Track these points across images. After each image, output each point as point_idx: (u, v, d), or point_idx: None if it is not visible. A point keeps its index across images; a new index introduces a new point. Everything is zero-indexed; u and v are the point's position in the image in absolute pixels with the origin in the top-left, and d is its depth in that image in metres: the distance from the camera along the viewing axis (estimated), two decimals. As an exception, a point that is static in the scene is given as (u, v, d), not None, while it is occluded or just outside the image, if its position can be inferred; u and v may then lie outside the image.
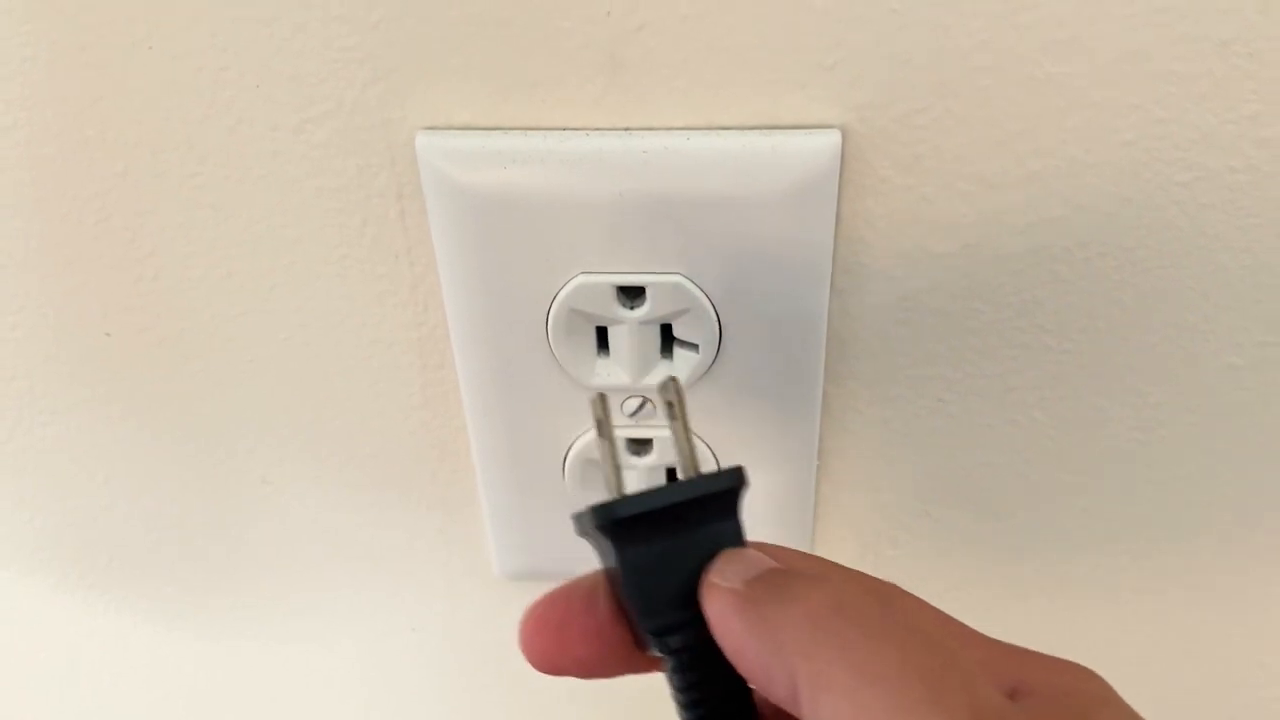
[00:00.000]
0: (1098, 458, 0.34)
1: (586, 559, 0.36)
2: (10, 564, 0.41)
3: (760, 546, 0.22)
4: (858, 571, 0.21)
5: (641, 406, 0.33)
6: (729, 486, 0.22)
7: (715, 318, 0.30)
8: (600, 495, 0.34)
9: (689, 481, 0.22)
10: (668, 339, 0.32)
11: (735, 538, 0.22)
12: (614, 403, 0.32)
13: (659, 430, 0.33)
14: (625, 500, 0.22)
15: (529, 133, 0.28)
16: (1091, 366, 0.32)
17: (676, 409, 0.24)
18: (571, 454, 0.34)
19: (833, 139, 0.28)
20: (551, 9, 0.27)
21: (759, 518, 0.35)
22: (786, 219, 0.29)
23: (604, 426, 0.23)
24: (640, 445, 0.34)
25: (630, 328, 0.31)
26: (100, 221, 0.32)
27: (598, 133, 0.28)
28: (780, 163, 0.28)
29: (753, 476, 0.34)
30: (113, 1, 0.28)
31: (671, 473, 0.34)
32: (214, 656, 0.43)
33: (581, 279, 0.30)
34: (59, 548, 0.40)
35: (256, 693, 0.44)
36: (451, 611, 0.40)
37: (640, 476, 0.34)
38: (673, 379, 0.24)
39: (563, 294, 0.30)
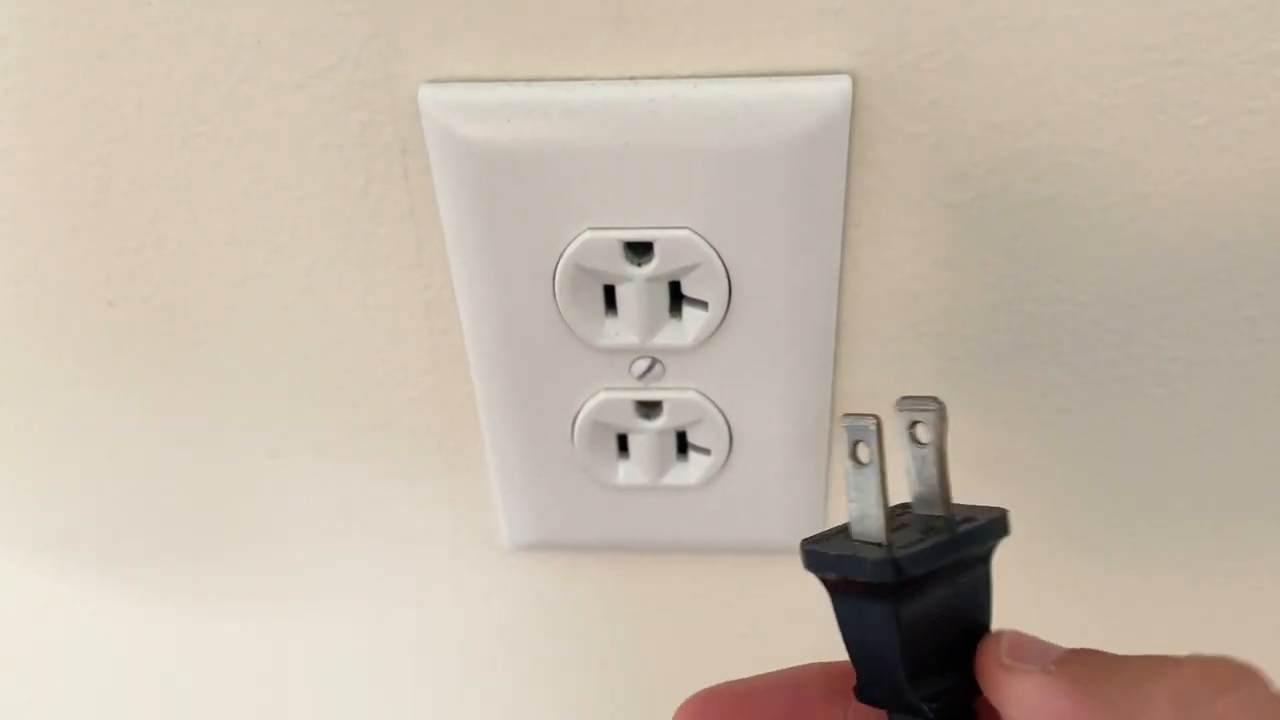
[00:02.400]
0: (1116, 414, 0.33)
1: (598, 528, 0.36)
2: (12, 541, 0.40)
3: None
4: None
5: (651, 368, 0.32)
6: (998, 537, 0.21)
7: (725, 274, 0.30)
8: (609, 464, 0.34)
9: (965, 535, 0.21)
10: (677, 299, 0.31)
11: (985, 585, 0.21)
12: (622, 364, 0.32)
13: (669, 392, 0.33)
14: (910, 555, 0.20)
15: (533, 84, 0.28)
16: (1107, 320, 0.31)
17: (934, 432, 0.21)
18: (580, 417, 0.33)
19: (843, 85, 0.27)
20: (555, -44, 0.26)
21: (771, 480, 0.34)
22: (796, 169, 0.28)
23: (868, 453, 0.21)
24: (649, 408, 0.33)
25: (638, 285, 0.30)
26: (101, 187, 0.31)
27: (603, 82, 0.28)
28: (790, 110, 0.27)
29: (765, 439, 0.34)
30: (111, -44, 0.27)
31: (682, 437, 0.34)
32: (219, 631, 0.43)
33: (588, 235, 0.29)
34: (64, 522, 0.40)
35: (262, 668, 0.44)
36: (460, 582, 0.40)
37: (650, 440, 0.34)
38: (935, 399, 0.21)
39: (569, 250, 0.30)
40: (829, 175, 0.28)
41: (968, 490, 0.35)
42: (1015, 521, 0.36)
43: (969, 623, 0.22)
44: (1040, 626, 0.39)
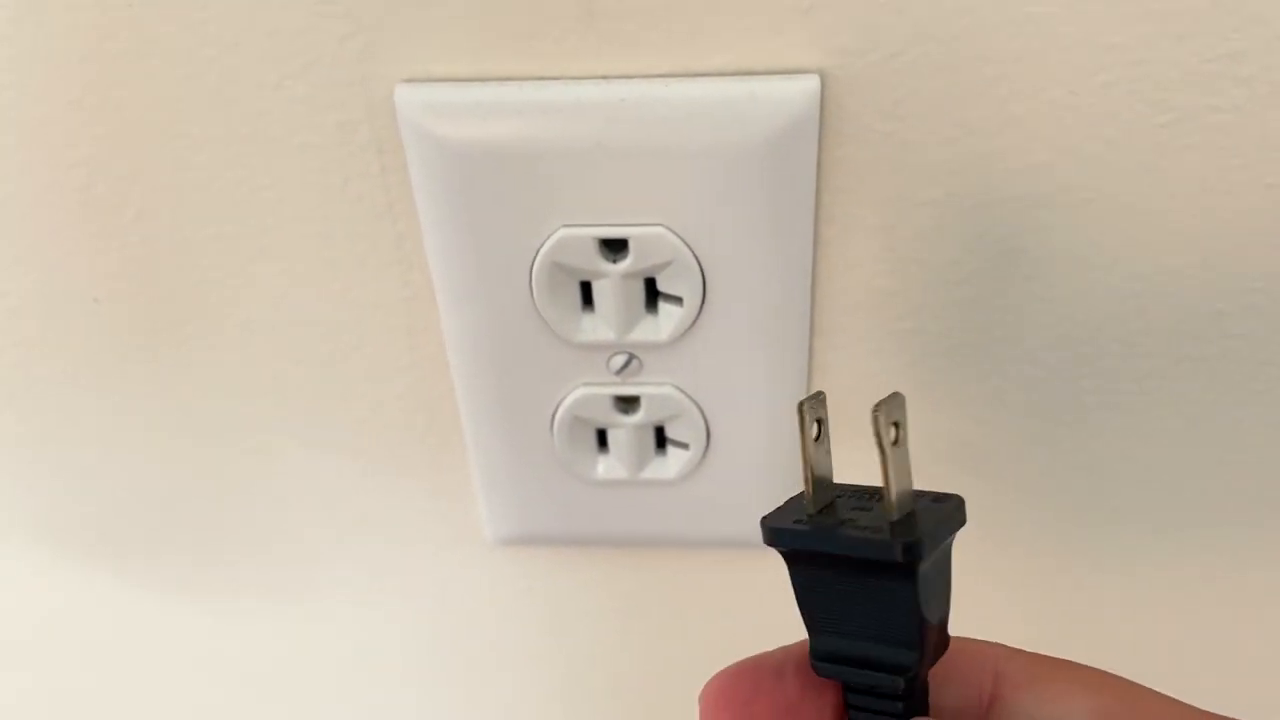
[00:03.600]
0: (1087, 409, 0.34)
1: (579, 522, 0.37)
2: (5, 538, 0.41)
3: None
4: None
5: (628, 363, 0.32)
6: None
7: (699, 270, 0.30)
8: (588, 459, 0.34)
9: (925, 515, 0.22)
10: (653, 295, 0.32)
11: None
12: (600, 359, 0.32)
13: (646, 387, 0.33)
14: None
15: (507, 83, 0.28)
16: (1078, 315, 0.32)
17: (900, 433, 0.22)
18: (560, 412, 0.34)
19: (811, 84, 0.28)
20: (527, -43, 0.27)
21: (748, 474, 0.35)
22: (767, 167, 0.29)
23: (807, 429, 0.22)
24: (627, 403, 0.34)
25: (613, 281, 0.31)
26: (84, 186, 0.32)
27: (576, 82, 0.28)
28: (759, 108, 0.28)
29: (742, 433, 0.34)
30: (91, -42, 0.28)
31: (660, 432, 0.34)
32: (204, 625, 0.43)
33: (564, 232, 0.30)
34: (53, 519, 0.40)
35: (246, 661, 0.44)
36: (443, 578, 0.40)
37: (628, 435, 0.34)
38: (897, 394, 0.22)
39: (545, 248, 0.30)
40: (799, 173, 0.29)
41: (945, 479, 0.35)
42: (985, 515, 0.36)
43: (890, 624, 0.22)
44: (1006, 621, 0.39)
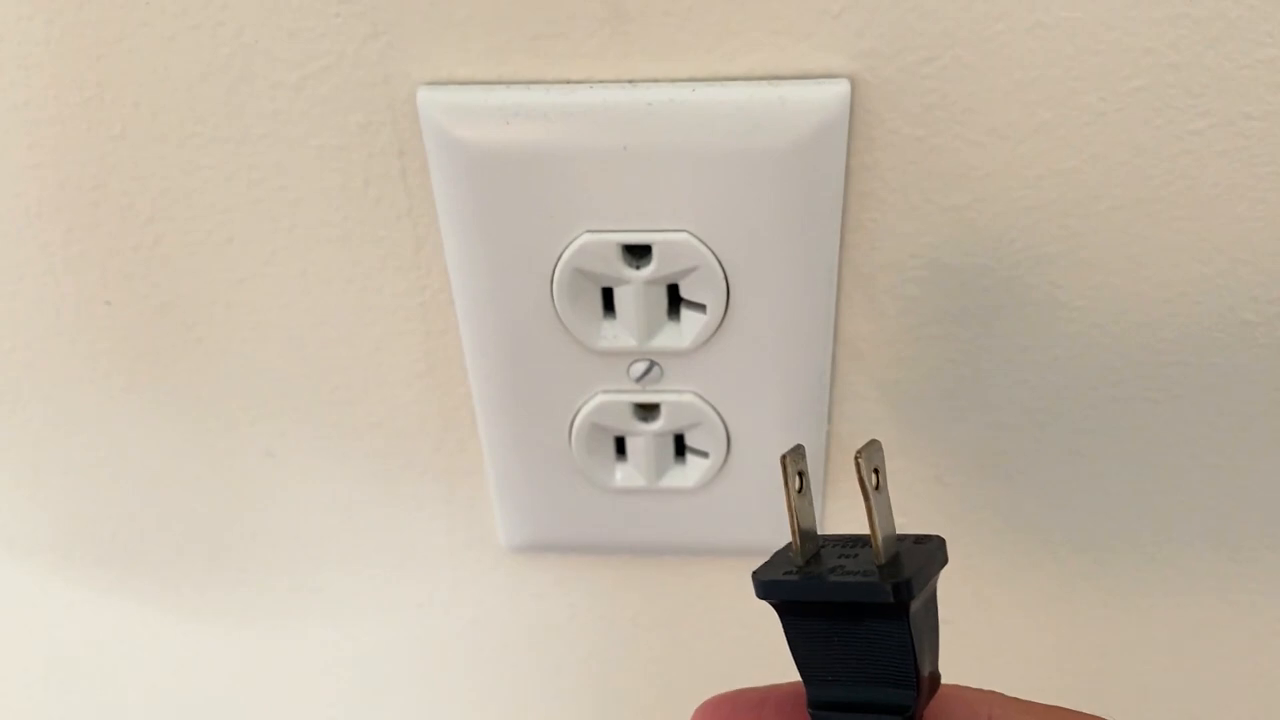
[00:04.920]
0: (1112, 418, 0.33)
1: (595, 530, 0.36)
2: (10, 543, 0.40)
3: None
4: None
5: (649, 370, 0.32)
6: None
7: (723, 277, 0.30)
8: (607, 467, 0.34)
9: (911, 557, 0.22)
10: (675, 301, 0.31)
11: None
12: (620, 366, 0.32)
13: (667, 395, 0.33)
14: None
15: (531, 86, 0.28)
16: (1105, 324, 0.31)
17: (880, 479, 0.22)
18: (578, 420, 0.33)
19: (841, 88, 0.27)
20: (554, -43, 0.26)
21: (768, 482, 0.34)
22: (795, 172, 0.28)
23: (790, 482, 0.23)
24: (647, 410, 0.33)
25: (636, 288, 0.30)
26: (97, 187, 0.31)
27: (602, 85, 0.28)
28: (788, 113, 0.27)
29: (762, 441, 0.34)
30: (109, -44, 0.27)
31: (679, 439, 0.34)
32: (215, 633, 0.43)
33: (586, 238, 0.29)
34: (59, 525, 0.39)
35: (258, 670, 0.44)
36: (456, 584, 0.40)
37: (647, 443, 0.34)
38: (875, 441, 0.22)
39: (567, 253, 0.30)
40: (827, 178, 0.28)
41: (970, 490, 0.35)
42: (1014, 526, 0.36)
43: (885, 665, 0.23)
44: (1044, 631, 0.38)
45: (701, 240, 0.29)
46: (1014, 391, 0.33)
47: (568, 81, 0.28)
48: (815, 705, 0.23)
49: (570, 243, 0.30)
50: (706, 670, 0.41)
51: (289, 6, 0.28)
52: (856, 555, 0.23)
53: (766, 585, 0.23)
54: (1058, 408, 0.33)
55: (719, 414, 0.33)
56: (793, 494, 0.23)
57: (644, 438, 0.33)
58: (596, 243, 0.29)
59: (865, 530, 0.23)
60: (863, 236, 0.30)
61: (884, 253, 0.30)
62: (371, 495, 0.37)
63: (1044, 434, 0.34)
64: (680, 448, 0.34)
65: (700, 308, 0.31)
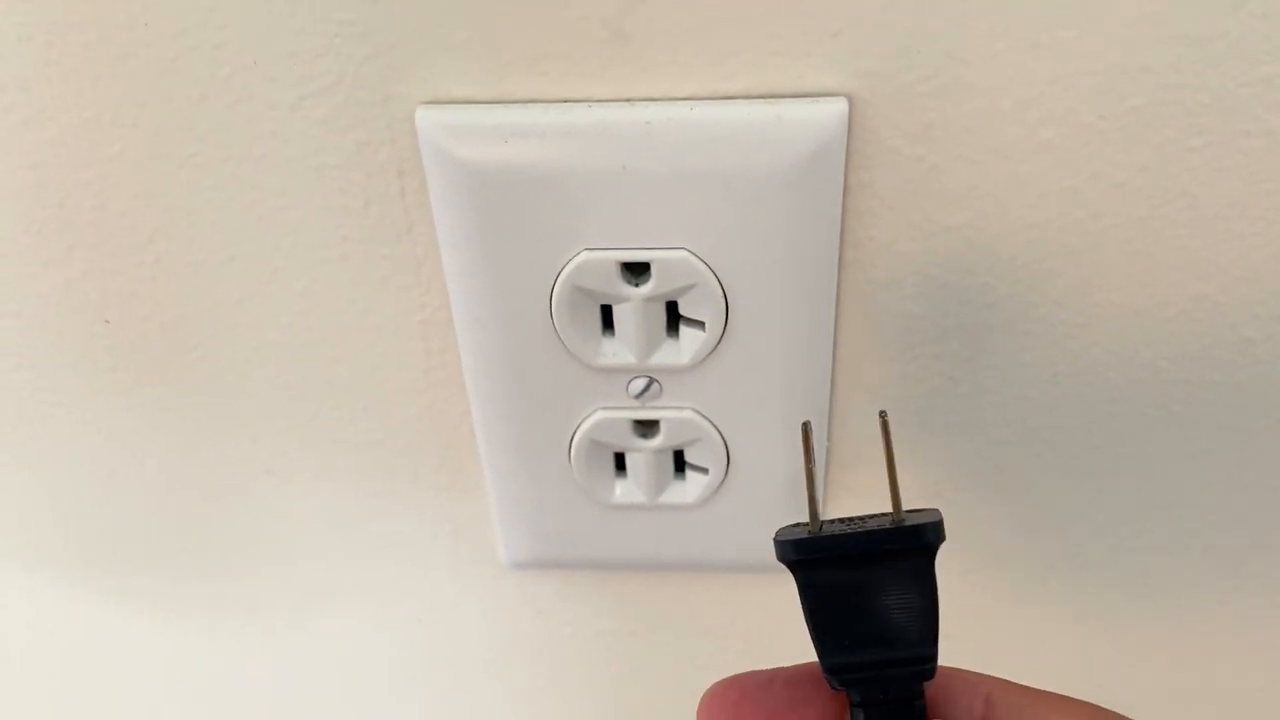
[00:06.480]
0: (1114, 435, 0.33)
1: (595, 546, 0.36)
2: (11, 557, 0.40)
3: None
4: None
5: (648, 387, 0.32)
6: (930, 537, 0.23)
7: (722, 294, 0.30)
8: (606, 483, 0.34)
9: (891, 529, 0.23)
10: (674, 318, 0.31)
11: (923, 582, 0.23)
12: (619, 383, 0.32)
13: (666, 411, 0.33)
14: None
15: (530, 105, 0.28)
16: (1106, 341, 0.31)
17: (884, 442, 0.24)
18: (578, 436, 0.33)
19: (839, 107, 0.27)
20: (552, -22, 0.26)
21: (768, 498, 0.34)
22: (793, 190, 0.28)
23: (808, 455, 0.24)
24: (647, 427, 0.33)
25: (635, 305, 0.30)
26: (98, 206, 0.31)
27: (600, 104, 0.28)
28: (786, 132, 0.27)
29: (762, 458, 0.33)
30: (109, -22, 0.27)
31: (679, 456, 0.34)
32: (216, 650, 0.43)
33: (585, 255, 0.29)
34: (61, 541, 0.39)
35: (259, 686, 0.44)
36: (457, 601, 0.40)
37: (647, 459, 0.34)
38: (881, 413, 0.24)
39: (566, 271, 0.30)
40: (826, 197, 0.28)
41: (970, 506, 0.35)
42: (1013, 542, 0.36)
43: (908, 622, 0.23)
44: (1043, 647, 0.38)
45: (700, 258, 0.29)
46: (1014, 408, 0.33)
47: (566, 100, 0.28)
48: (832, 670, 0.23)
49: (569, 260, 0.30)
50: (706, 685, 0.41)
51: (288, 27, 0.28)
52: (865, 523, 0.24)
53: (797, 544, 0.23)
54: (1058, 424, 0.33)
55: (718, 430, 0.33)
56: (814, 463, 0.24)
57: (643, 454, 0.33)
58: (595, 260, 0.29)
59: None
60: (862, 254, 0.30)
61: (883, 270, 0.30)
62: (372, 512, 0.37)
63: (1044, 451, 0.34)
64: (680, 464, 0.34)
65: (699, 325, 0.31)
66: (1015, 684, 0.24)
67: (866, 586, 0.23)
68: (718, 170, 0.28)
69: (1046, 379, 0.32)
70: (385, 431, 0.35)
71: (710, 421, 0.33)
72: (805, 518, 0.24)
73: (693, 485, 0.34)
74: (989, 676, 0.24)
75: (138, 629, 0.42)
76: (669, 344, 0.31)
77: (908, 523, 0.23)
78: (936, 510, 0.24)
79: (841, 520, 0.24)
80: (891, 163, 0.28)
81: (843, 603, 0.23)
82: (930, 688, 0.24)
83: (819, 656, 0.23)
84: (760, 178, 0.28)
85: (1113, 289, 0.30)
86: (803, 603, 0.23)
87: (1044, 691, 0.24)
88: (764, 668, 0.25)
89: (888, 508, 0.24)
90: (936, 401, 0.33)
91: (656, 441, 0.33)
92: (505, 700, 0.43)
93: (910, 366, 0.32)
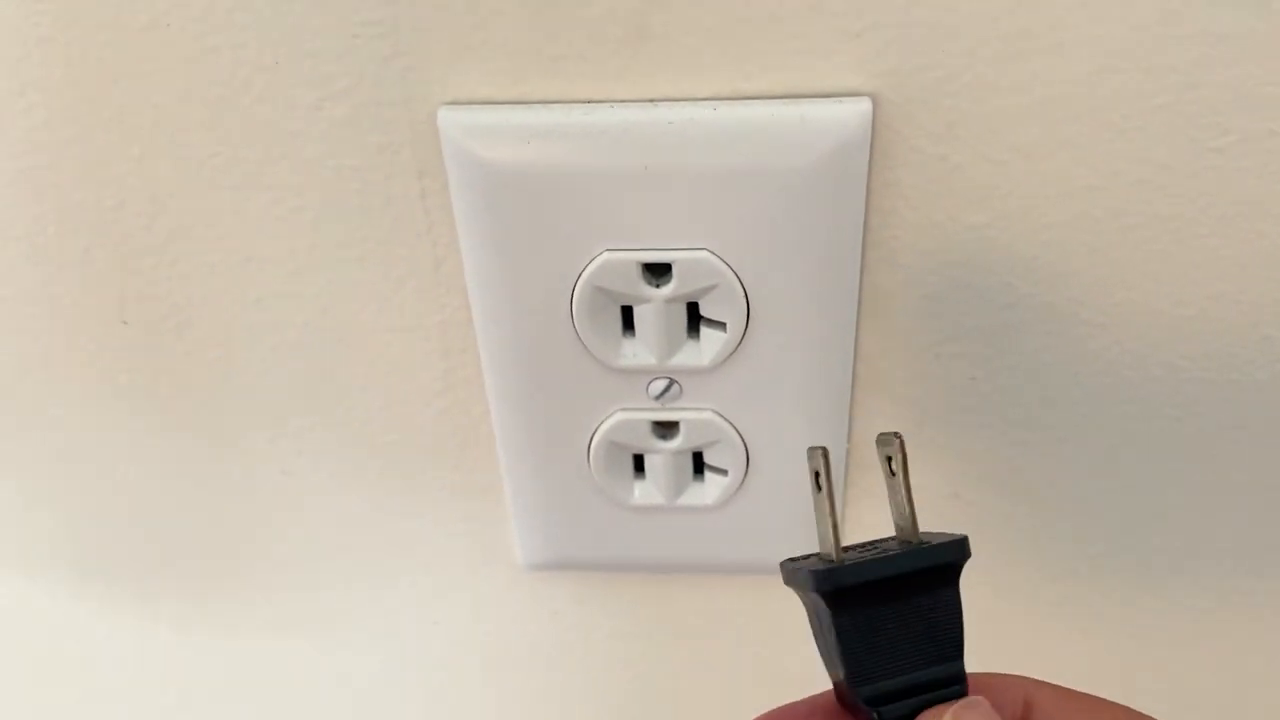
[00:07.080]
0: (1133, 435, 0.33)
1: (613, 548, 0.36)
2: (26, 558, 0.40)
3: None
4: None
5: (668, 388, 0.32)
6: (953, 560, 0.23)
7: (743, 295, 0.30)
8: (625, 485, 0.34)
9: (915, 552, 0.23)
10: (695, 319, 0.31)
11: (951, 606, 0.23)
12: (639, 384, 0.32)
13: (686, 412, 0.32)
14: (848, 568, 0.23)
15: (552, 106, 0.28)
16: (1126, 342, 0.31)
17: (897, 464, 0.24)
18: (596, 438, 0.33)
19: (863, 107, 0.27)
20: (575, -22, 0.26)
21: (787, 500, 0.34)
22: (816, 191, 0.28)
23: (823, 480, 0.24)
24: (666, 428, 0.33)
25: (656, 306, 0.30)
26: (117, 206, 0.31)
27: (622, 105, 0.28)
28: (809, 132, 0.27)
29: (782, 459, 0.33)
30: (130, -22, 0.27)
31: (698, 457, 0.34)
32: (233, 651, 0.42)
33: (606, 256, 0.29)
34: (77, 542, 0.39)
35: (274, 687, 0.44)
36: (475, 603, 0.39)
37: (666, 461, 0.33)
38: (897, 435, 0.24)
39: (587, 272, 0.30)
40: (848, 197, 0.28)
41: (989, 507, 0.35)
42: (1033, 542, 0.36)
43: (937, 640, 0.23)
44: (1064, 648, 0.38)
45: (722, 259, 0.29)
46: (1034, 409, 0.33)
47: (588, 101, 0.28)
48: (872, 701, 0.23)
49: (590, 261, 0.30)
50: (725, 688, 0.41)
51: (308, 28, 0.28)
52: (881, 546, 0.24)
53: (828, 574, 0.23)
54: (1078, 424, 0.33)
55: (738, 432, 0.33)
56: (831, 493, 0.23)
57: (663, 455, 0.33)
58: (617, 261, 0.29)
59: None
60: (884, 254, 0.30)
61: (905, 270, 0.30)
62: (389, 514, 0.37)
63: (1064, 451, 0.34)
64: (699, 465, 0.34)
65: (720, 326, 0.31)
66: (1051, 685, 0.24)
67: (896, 611, 0.23)
68: (740, 171, 0.28)
69: (1066, 379, 0.32)
70: (403, 432, 0.35)
71: (730, 423, 0.33)
72: (819, 532, 0.24)
73: (712, 487, 0.34)
74: (1025, 678, 0.24)
75: (154, 631, 0.42)
76: (689, 345, 0.31)
77: (932, 543, 0.23)
78: (953, 534, 0.24)
79: (858, 547, 0.24)
80: (914, 162, 0.28)
81: (873, 629, 0.23)
82: (971, 692, 0.24)
83: (851, 684, 0.23)
84: (783, 178, 0.28)
85: (1132, 288, 0.30)
86: (830, 632, 0.23)
87: (1081, 693, 0.24)
88: (798, 700, 0.25)
89: (917, 512, 0.24)
90: (956, 401, 0.33)
91: (676, 443, 0.33)
92: (521, 701, 0.43)
93: (931, 366, 0.32)
